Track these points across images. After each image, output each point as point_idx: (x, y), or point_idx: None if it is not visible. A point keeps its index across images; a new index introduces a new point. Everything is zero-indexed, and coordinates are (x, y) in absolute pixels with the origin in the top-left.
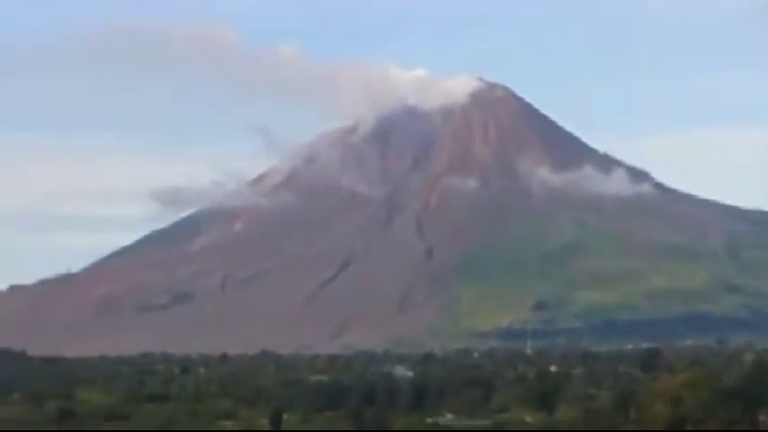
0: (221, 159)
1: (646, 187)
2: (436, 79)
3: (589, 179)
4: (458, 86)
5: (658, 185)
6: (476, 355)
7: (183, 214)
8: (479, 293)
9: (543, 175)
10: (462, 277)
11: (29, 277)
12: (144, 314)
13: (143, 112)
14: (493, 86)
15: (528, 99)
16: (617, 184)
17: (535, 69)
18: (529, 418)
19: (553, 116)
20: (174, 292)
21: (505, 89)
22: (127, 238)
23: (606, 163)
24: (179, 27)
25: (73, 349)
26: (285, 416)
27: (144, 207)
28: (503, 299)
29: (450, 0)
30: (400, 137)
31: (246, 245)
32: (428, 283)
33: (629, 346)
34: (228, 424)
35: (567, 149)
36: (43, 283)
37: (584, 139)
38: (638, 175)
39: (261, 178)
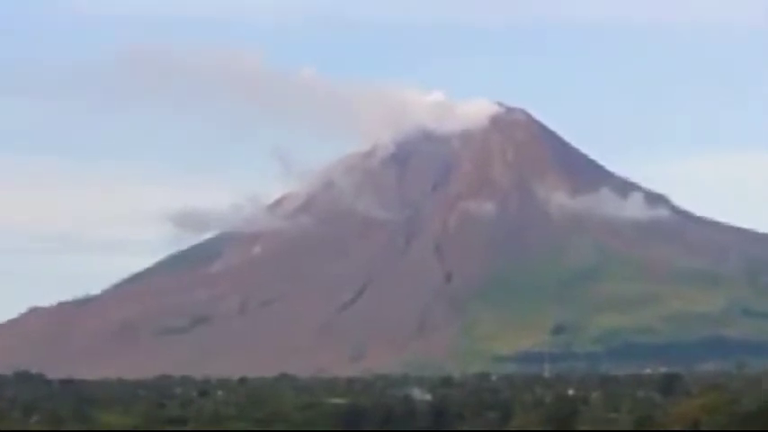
0: (239, 183)
1: (663, 211)
2: (454, 103)
3: (607, 203)
4: (476, 110)
5: (676, 209)
6: (494, 378)
7: (202, 238)
8: (498, 317)
9: (561, 198)
10: (481, 301)
11: (48, 300)
12: (163, 337)
13: (161, 135)
14: (512, 110)
15: (546, 123)
16: (635, 208)
17: (554, 93)
18: None
19: (571, 140)
20: (193, 316)
21: (524, 113)
22: (146, 262)
23: (624, 186)
24: (198, 50)
25: (92, 372)
26: None
27: (163, 230)
28: (521, 323)
29: (468, 23)
30: (418, 161)
31: (265, 268)
32: (447, 306)
33: (648, 371)
34: None
35: (584, 173)
36: (62, 306)
37: (602, 162)
38: (655, 198)
39: (279, 202)
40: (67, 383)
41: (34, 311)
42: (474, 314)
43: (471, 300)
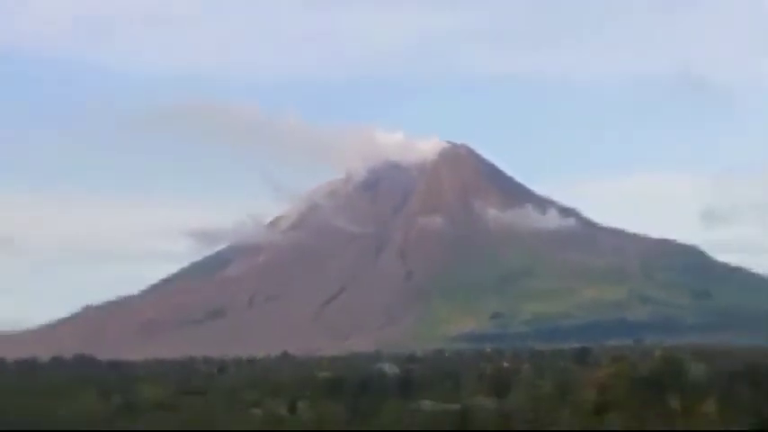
0: (244, 206)
1: (574, 222)
2: (412, 141)
3: (530, 216)
4: (430, 147)
5: (585, 220)
6: (447, 354)
7: (216, 249)
8: (449, 306)
9: (495, 213)
10: (435, 294)
11: (97, 299)
12: (187, 327)
13: (183, 168)
14: (456, 146)
15: (483, 154)
16: (552, 220)
17: (488, 131)
18: (488, 403)
19: (502, 167)
20: (211, 310)
21: (466, 147)
22: (172, 269)
23: (543, 203)
24: (210, 103)
25: (132, 354)
26: (299, 404)
27: (185, 244)
28: (467, 310)
29: (422, 77)
30: (385, 186)
31: (266, 273)
32: (409, 299)
33: (567, 346)
34: (256, 411)
35: (513, 193)
36: (109, 304)
37: (526, 184)
38: (568, 211)
39: (275, 221)
40: (114, 364)
41: (87, 308)
42: (430, 304)
43: (428, 293)
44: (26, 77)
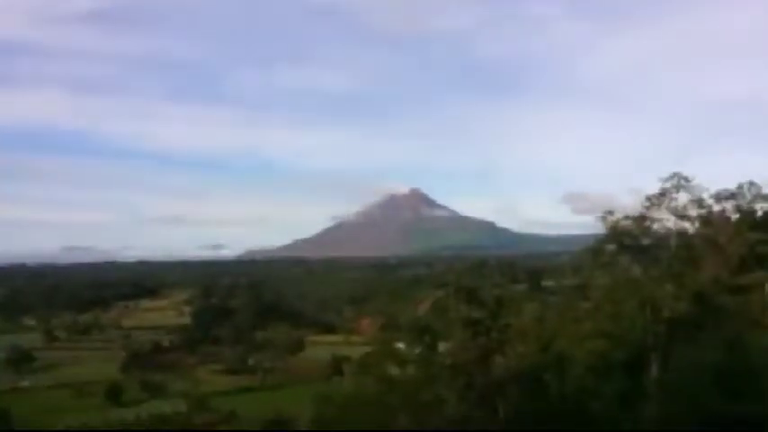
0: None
1: (482, 223)
2: (395, 188)
3: (454, 224)
4: (403, 190)
5: (490, 224)
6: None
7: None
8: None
9: (439, 218)
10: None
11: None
12: None
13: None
14: (414, 189)
15: (427, 194)
16: (471, 227)
17: (430, 182)
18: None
19: (437, 199)
20: None
21: (419, 191)
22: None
23: (460, 218)
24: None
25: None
26: None
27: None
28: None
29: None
30: (382, 213)
31: (337, 242)
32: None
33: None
34: None
35: (443, 211)
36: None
37: (453, 208)
38: (483, 222)
39: (337, 226)
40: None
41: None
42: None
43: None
44: None
